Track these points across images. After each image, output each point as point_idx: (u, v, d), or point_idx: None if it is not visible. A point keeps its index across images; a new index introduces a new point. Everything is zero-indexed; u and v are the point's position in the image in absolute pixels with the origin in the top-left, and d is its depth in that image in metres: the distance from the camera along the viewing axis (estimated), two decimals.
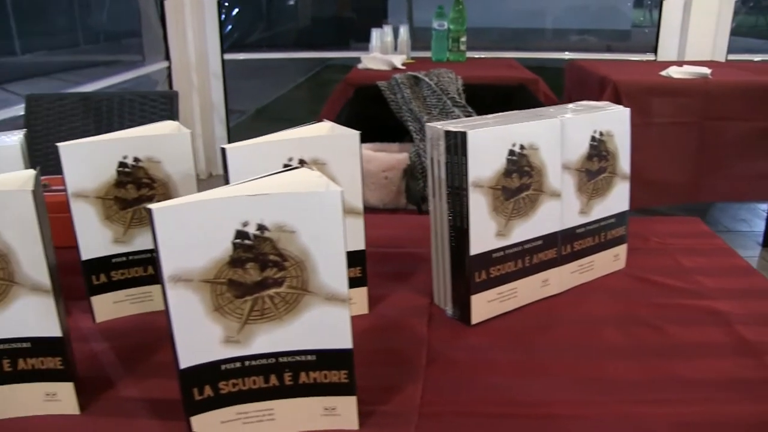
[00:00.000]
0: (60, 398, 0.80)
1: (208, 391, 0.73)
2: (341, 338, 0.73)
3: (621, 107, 1.12)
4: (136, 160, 0.95)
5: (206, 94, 4.30)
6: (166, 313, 0.69)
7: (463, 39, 3.61)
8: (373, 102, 2.06)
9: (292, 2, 8.35)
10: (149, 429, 0.78)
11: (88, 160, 0.93)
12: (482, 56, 4.04)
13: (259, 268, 0.69)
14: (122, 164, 0.95)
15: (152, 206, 0.64)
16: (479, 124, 0.97)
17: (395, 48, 3.73)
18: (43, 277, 0.75)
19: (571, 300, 1.09)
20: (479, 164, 0.94)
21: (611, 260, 1.18)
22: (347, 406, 0.76)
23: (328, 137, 0.92)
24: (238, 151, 0.87)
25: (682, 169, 2.86)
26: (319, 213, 0.68)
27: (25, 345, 0.78)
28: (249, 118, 6.67)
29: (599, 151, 1.10)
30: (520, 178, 0.99)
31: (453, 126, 0.95)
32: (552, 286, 1.09)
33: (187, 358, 0.70)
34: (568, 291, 1.11)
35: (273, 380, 0.75)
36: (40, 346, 0.78)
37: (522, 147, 0.98)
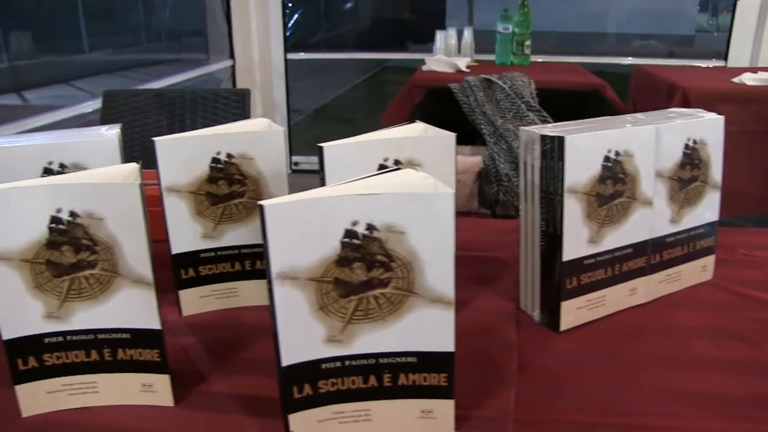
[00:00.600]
0: (156, 389, 0.81)
1: (307, 389, 0.73)
2: (444, 341, 0.72)
3: (715, 115, 1.09)
4: (229, 156, 0.95)
5: (269, 93, 4.34)
6: (270, 311, 0.69)
7: (528, 42, 3.57)
8: (444, 104, 2.05)
9: (350, 4, 8.38)
10: (243, 425, 0.78)
11: (183, 155, 0.94)
12: (545, 60, 3.99)
13: (365, 268, 0.69)
14: (215, 160, 0.95)
15: (264, 203, 0.64)
16: (573, 129, 0.95)
17: (458, 50, 3.71)
18: (145, 270, 0.76)
19: (658, 310, 1.06)
20: (575, 169, 0.92)
21: (698, 271, 1.15)
22: (445, 410, 0.75)
23: (424, 138, 0.91)
24: (334, 149, 0.87)
25: (754, 179, 2.78)
26: (430, 214, 0.67)
27: (125, 336, 0.79)
28: (307, 118, 6.71)
29: (692, 159, 1.07)
30: (614, 185, 0.97)
31: (549, 130, 0.93)
32: (639, 296, 1.06)
33: (289, 356, 0.70)
34: (655, 301, 1.08)
35: (372, 381, 0.74)
36: (139, 337, 0.79)
37: (617, 153, 0.96)
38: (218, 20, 4.20)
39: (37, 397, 0.80)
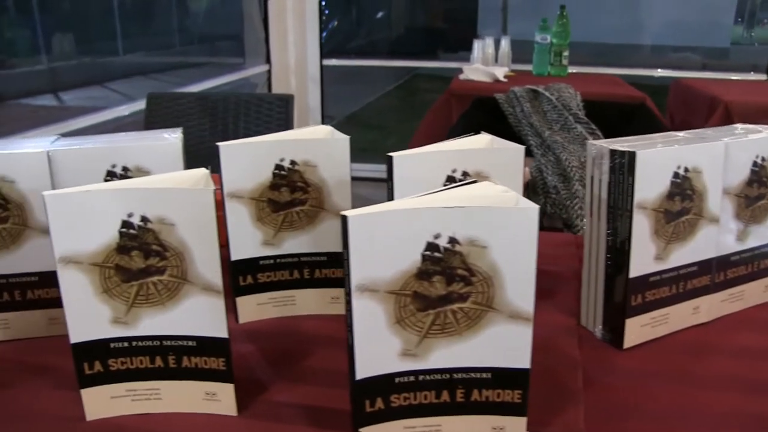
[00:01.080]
0: (219, 398, 0.80)
1: (379, 403, 0.71)
2: (520, 357, 0.70)
3: None
4: (293, 163, 0.94)
5: (303, 99, 4.34)
6: (347, 323, 0.68)
7: (566, 53, 3.55)
8: (488, 114, 2.03)
9: (383, 13, 8.39)
10: None
11: (246, 161, 0.93)
12: (582, 71, 3.95)
13: (445, 282, 0.67)
14: (279, 166, 0.94)
15: (347, 213, 0.63)
16: (642, 144, 0.93)
17: (495, 60, 3.69)
18: (215, 277, 0.75)
19: (720, 329, 1.04)
20: (645, 185, 0.90)
21: (761, 291, 1.12)
22: (517, 427, 0.73)
23: (493, 151, 0.90)
24: (403, 159, 0.86)
25: None
26: (514, 229, 0.65)
27: (190, 343, 0.78)
28: (339, 124, 6.72)
29: (760, 177, 1.05)
30: (682, 202, 0.95)
31: (619, 145, 0.91)
32: (702, 314, 1.04)
33: (363, 370, 0.69)
34: (717, 320, 1.06)
35: (444, 396, 0.73)
36: (205, 345, 0.78)
37: (686, 169, 0.94)
38: (255, 25, 4.21)
39: (101, 402, 0.79)
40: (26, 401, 0.84)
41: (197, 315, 0.76)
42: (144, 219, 0.72)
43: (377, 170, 3.90)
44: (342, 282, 1.02)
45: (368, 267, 0.65)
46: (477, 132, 1.87)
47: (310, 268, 1.00)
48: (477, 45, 3.65)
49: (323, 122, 4.49)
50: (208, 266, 0.74)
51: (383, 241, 0.65)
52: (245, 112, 2.10)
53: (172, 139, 0.94)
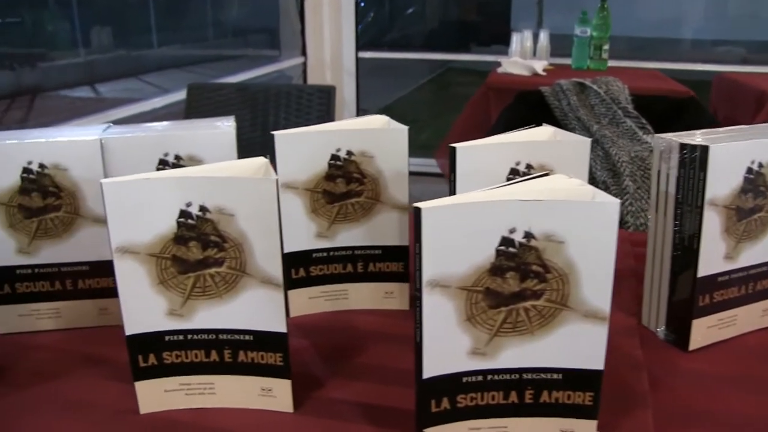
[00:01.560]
0: (275, 394, 0.77)
1: (445, 403, 0.68)
2: (593, 358, 0.67)
3: None
4: (349, 153, 0.91)
5: (339, 91, 4.31)
6: (415, 319, 0.65)
7: (606, 47, 3.48)
8: (533, 107, 1.99)
9: (416, 6, 8.34)
10: None
11: (302, 151, 0.91)
12: (621, 65, 3.88)
13: (519, 279, 0.64)
14: (335, 157, 0.91)
15: (420, 205, 0.60)
16: (713, 137, 0.89)
17: (533, 53, 3.63)
18: (275, 270, 0.72)
19: None
20: (718, 181, 0.86)
21: None
22: (586, 430, 0.70)
23: (558, 143, 0.86)
24: (467, 151, 0.83)
25: None
26: (593, 224, 0.62)
27: (247, 338, 0.75)
28: None
29: None
30: (755, 199, 0.91)
31: (688, 139, 0.87)
32: None
33: (431, 368, 0.66)
34: None
35: (513, 397, 0.70)
36: (262, 340, 0.75)
37: (760, 165, 0.89)
38: (292, 17, 4.20)
39: (155, 395, 0.77)
40: (78, 392, 0.82)
41: (255, 308, 0.73)
42: (203, 209, 0.69)
43: (412, 164, 3.86)
44: (396, 276, 1.00)
45: (440, 262, 0.62)
46: (525, 125, 1.83)
47: (364, 262, 0.98)
48: (515, 38, 3.60)
49: (358, 115, 4.46)
50: (268, 258, 0.71)
51: (457, 235, 0.62)
52: (286, 103, 2.08)
53: (226, 127, 0.92)
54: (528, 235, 0.63)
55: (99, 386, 0.84)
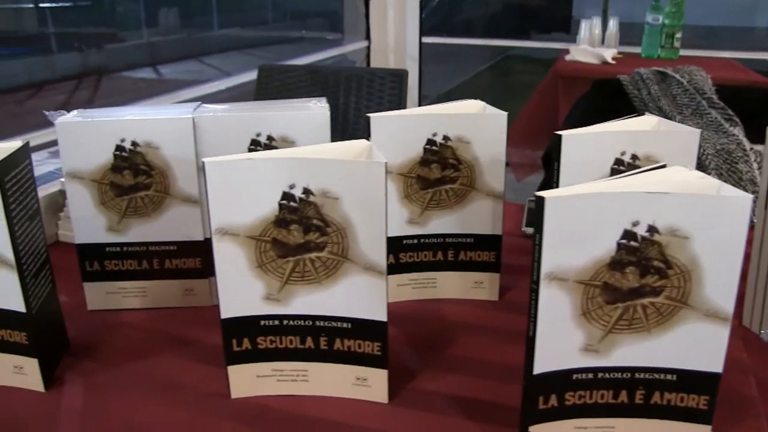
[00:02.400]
0: (371, 384, 0.75)
1: (553, 400, 0.65)
2: (713, 360, 0.63)
3: None
4: (446, 138, 0.89)
5: None
6: (529, 313, 0.62)
7: (678, 35, 3.38)
8: (609, 97, 1.93)
9: None
10: (465, 430, 0.72)
11: (398, 134, 0.88)
12: (693, 54, 3.77)
13: (639, 274, 0.61)
14: (431, 141, 0.89)
15: (544, 194, 0.57)
16: None
17: (602, 41, 3.55)
18: (379, 257, 0.70)
19: None
20: None
21: None
22: None
23: (667, 133, 0.82)
24: (572, 139, 0.79)
25: None
26: (721, 220, 0.58)
27: (345, 325, 0.73)
28: (429, 103, 6.65)
29: None
30: None
31: None
32: None
33: (542, 364, 0.63)
34: None
35: (623, 396, 0.67)
36: (361, 328, 0.73)
37: None
38: (356, 1, 4.17)
39: (247, 380, 0.76)
40: (168, 372, 0.81)
41: (356, 296, 0.71)
42: (306, 191, 0.67)
43: None
44: (487, 266, 0.97)
45: (560, 254, 0.59)
46: (602, 113, 1.77)
47: (455, 250, 0.95)
48: (584, 25, 3.52)
49: (420, 101, 4.43)
50: (372, 245, 0.69)
51: (578, 227, 0.58)
52: (357, 86, 2.06)
53: (320, 108, 0.90)
54: (651, 229, 0.59)
55: (187, 367, 0.83)
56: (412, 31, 4.23)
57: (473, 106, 0.92)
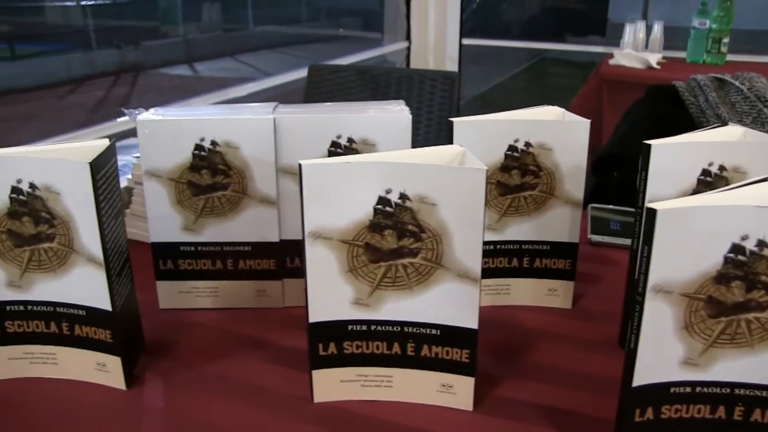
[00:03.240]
0: (456, 391, 0.75)
1: (649, 413, 0.65)
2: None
3: None
4: (527, 144, 0.88)
5: None
6: (632, 324, 0.61)
7: (726, 40, 3.34)
8: (666, 103, 1.91)
9: None
10: None
11: (480, 139, 0.88)
12: (740, 60, 3.72)
13: (744, 289, 0.60)
14: (512, 147, 0.88)
15: (656, 206, 0.56)
16: None
17: (646, 45, 3.51)
18: (474, 264, 0.70)
19: None
20: None
21: None
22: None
23: (752, 144, 0.81)
24: (663, 149, 0.78)
25: None
26: None
27: (434, 332, 0.73)
28: (467, 104, 6.61)
29: None
30: None
31: None
32: None
33: (642, 377, 0.62)
34: None
35: (720, 412, 0.66)
36: (451, 335, 0.73)
37: None
38: (397, 1, 4.17)
39: (330, 385, 0.76)
40: (245, 374, 0.81)
41: (447, 302, 0.71)
42: (403, 196, 0.67)
43: None
44: (562, 274, 0.96)
45: (667, 266, 0.58)
46: (658, 120, 1.75)
47: (530, 257, 0.94)
48: (628, 29, 3.49)
49: (458, 103, 4.41)
50: (468, 251, 0.69)
51: (687, 240, 0.58)
52: (407, 87, 2.05)
53: (401, 111, 0.89)
54: (761, 244, 0.58)
55: (264, 369, 0.83)
56: (453, 32, 4.22)
57: (552, 112, 0.91)
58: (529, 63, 8.52)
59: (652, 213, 0.57)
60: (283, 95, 3.68)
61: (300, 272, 0.93)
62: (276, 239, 0.93)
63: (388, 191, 0.68)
